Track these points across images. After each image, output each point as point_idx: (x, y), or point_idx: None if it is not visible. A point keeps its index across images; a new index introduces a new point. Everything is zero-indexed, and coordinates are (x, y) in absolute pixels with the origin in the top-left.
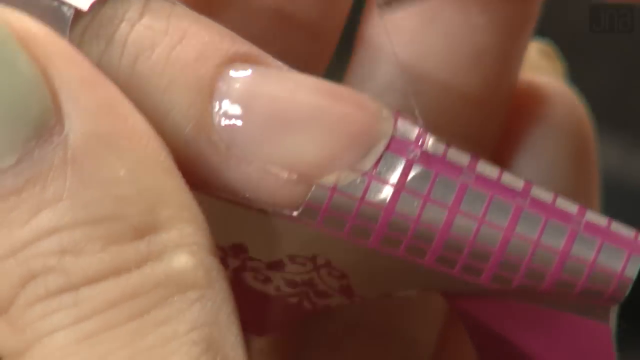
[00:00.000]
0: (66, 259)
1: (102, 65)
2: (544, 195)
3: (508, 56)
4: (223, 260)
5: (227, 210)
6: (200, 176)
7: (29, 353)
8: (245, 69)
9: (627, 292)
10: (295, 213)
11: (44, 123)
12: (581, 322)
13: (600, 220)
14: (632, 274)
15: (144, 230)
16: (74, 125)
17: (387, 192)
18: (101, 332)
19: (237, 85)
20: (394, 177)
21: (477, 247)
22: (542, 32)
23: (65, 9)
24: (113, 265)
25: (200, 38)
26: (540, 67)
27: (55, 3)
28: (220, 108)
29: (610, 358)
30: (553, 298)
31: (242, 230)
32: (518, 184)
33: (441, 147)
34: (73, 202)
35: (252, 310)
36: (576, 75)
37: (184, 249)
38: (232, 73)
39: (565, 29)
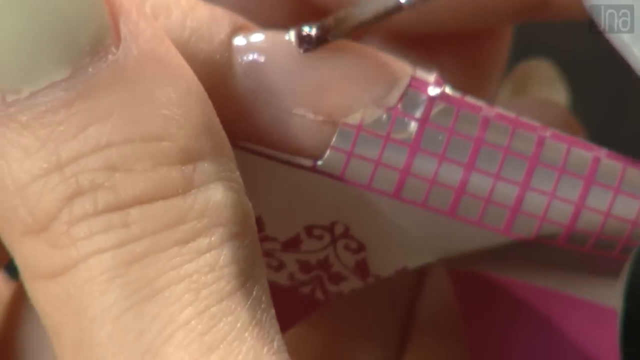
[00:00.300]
0: (116, 176)
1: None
2: (561, 133)
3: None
4: None
5: (246, 181)
6: (227, 122)
7: (71, 273)
8: (258, 32)
9: None
10: (319, 162)
11: (100, 40)
12: (584, 304)
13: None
14: None
15: (191, 155)
16: (130, 46)
17: (412, 127)
18: (149, 255)
19: (256, 40)
20: (418, 112)
21: (501, 182)
22: (541, 31)
23: None
24: (162, 187)
25: (209, 9)
26: (541, 88)
27: None
28: (242, 59)
29: (613, 344)
30: (561, 264)
31: (260, 201)
32: (536, 122)
33: (458, 92)
34: (124, 119)
35: None
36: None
37: (227, 184)
38: (245, 35)
39: (565, 30)
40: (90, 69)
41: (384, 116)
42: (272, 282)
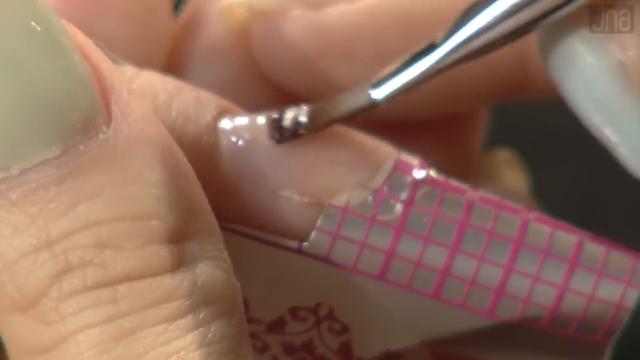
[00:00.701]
0: (105, 253)
1: None
2: (545, 216)
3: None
4: None
5: (233, 263)
6: (214, 204)
7: (59, 349)
8: (243, 116)
9: (625, 321)
10: (305, 244)
11: (91, 119)
12: None
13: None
14: (630, 303)
15: (179, 235)
16: (121, 125)
17: (398, 209)
18: (137, 330)
19: (241, 123)
20: (404, 194)
21: (485, 264)
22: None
23: None
24: (151, 264)
25: (196, 92)
26: (504, 176)
27: None
28: (228, 141)
29: None
30: (547, 343)
31: (246, 282)
32: (519, 205)
33: (442, 175)
34: (114, 197)
35: None
36: None
37: (215, 263)
38: (230, 118)
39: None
40: (82, 147)
41: (370, 198)
42: None
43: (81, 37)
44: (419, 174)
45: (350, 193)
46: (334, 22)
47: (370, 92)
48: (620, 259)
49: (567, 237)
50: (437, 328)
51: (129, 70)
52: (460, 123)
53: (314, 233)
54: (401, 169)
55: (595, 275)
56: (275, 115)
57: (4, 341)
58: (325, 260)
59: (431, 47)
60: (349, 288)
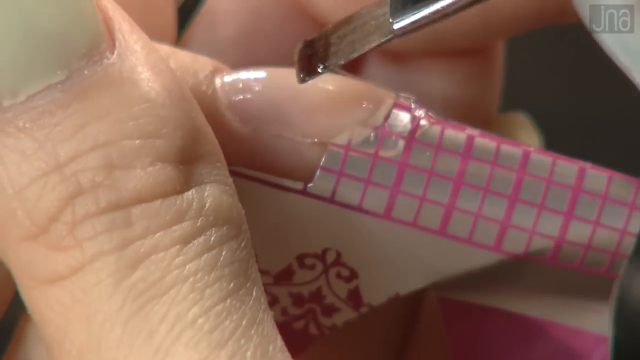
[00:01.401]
0: (116, 173)
1: None
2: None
3: (476, 112)
4: None
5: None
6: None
7: (76, 277)
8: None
9: (632, 249)
10: (310, 184)
11: (95, 45)
12: (574, 332)
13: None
14: (635, 227)
15: (187, 155)
16: (125, 51)
17: (400, 145)
18: (152, 254)
19: (240, 75)
20: (405, 130)
21: (489, 196)
22: (540, 32)
23: None
24: (161, 183)
25: (191, 54)
26: (519, 138)
27: None
28: (228, 93)
29: None
30: (552, 286)
31: (252, 231)
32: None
33: (441, 115)
34: (121, 117)
35: None
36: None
37: (222, 188)
38: (227, 73)
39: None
40: (86, 72)
41: (372, 135)
42: None
43: None
44: (418, 112)
45: (352, 131)
46: None
47: (391, 21)
48: (623, 183)
49: (569, 166)
50: (443, 267)
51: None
52: (478, 57)
53: (318, 172)
54: (400, 107)
55: (599, 200)
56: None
57: (13, 274)
58: (331, 200)
59: None
60: (355, 230)
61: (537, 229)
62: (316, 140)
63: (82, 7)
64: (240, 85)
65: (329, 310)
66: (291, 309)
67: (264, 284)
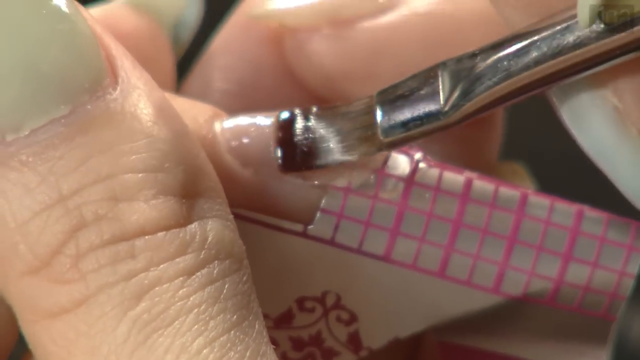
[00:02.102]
0: (119, 206)
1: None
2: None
3: (495, 144)
4: None
5: None
6: None
7: (80, 310)
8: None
9: (630, 291)
10: (310, 226)
11: (99, 80)
12: None
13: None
14: (634, 268)
15: (189, 190)
16: (127, 88)
17: (399, 187)
18: (157, 286)
19: (241, 121)
20: (404, 173)
21: (488, 237)
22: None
23: None
24: (165, 216)
25: (189, 100)
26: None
27: None
28: (227, 138)
29: None
30: (551, 330)
31: (252, 273)
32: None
33: (438, 160)
34: (123, 150)
35: None
36: None
37: (224, 222)
38: (225, 119)
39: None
40: (89, 106)
41: (371, 178)
42: None
43: (83, 9)
44: (416, 155)
45: (352, 174)
46: (358, 42)
47: (382, 138)
48: (621, 225)
49: (567, 208)
50: (443, 309)
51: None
52: (479, 129)
53: (318, 214)
54: (399, 150)
55: (598, 242)
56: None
57: (14, 310)
58: (331, 242)
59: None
60: (354, 272)
61: (536, 270)
62: (316, 182)
63: (85, 45)
64: (240, 129)
65: (329, 354)
66: (291, 353)
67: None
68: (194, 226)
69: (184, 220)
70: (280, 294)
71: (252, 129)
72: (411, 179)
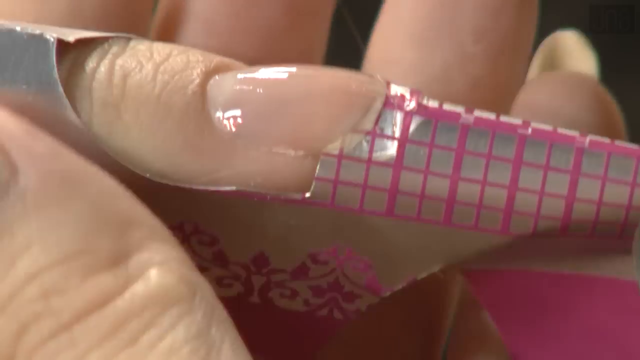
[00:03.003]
0: (52, 300)
1: (93, 90)
2: (543, 126)
3: (503, 85)
4: (248, 280)
5: (242, 221)
6: (209, 170)
7: None
8: (230, 74)
9: None
10: (308, 194)
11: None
12: (604, 281)
13: (603, 139)
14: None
15: (118, 256)
16: (28, 172)
17: (392, 147)
18: None
19: (229, 85)
20: (397, 131)
21: (488, 187)
22: (542, 32)
23: (48, 35)
24: (96, 296)
25: (184, 56)
26: (575, 56)
27: (38, 31)
28: (217, 108)
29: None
30: (571, 249)
31: (260, 237)
32: (516, 120)
33: (435, 101)
34: (44, 246)
35: (287, 336)
36: None
37: (161, 267)
38: (219, 77)
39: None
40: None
41: (363, 141)
42: (289, 310)
43: None
44: (409, 105)
45: (343, 139)
46: None
47: None
48: (622, 161)
49: (566, 147)
50: (456, 252)
51: (114, 47)
52: None
53: (314, 183)
54: (392, 104)
55: (600, 181)
56: None
57: None
58: (331, 206)
59: None
60: (361, 227)
61: (541, 212)
62: (308, 152)
63: None
64: (230, 98)
65: (350, 297)
66: (312, 299)
67: (282, 281)
68: (129, 291)
69: (119, 289)
70: (291, 252)
71: (244, 98)
72: (404, 138)
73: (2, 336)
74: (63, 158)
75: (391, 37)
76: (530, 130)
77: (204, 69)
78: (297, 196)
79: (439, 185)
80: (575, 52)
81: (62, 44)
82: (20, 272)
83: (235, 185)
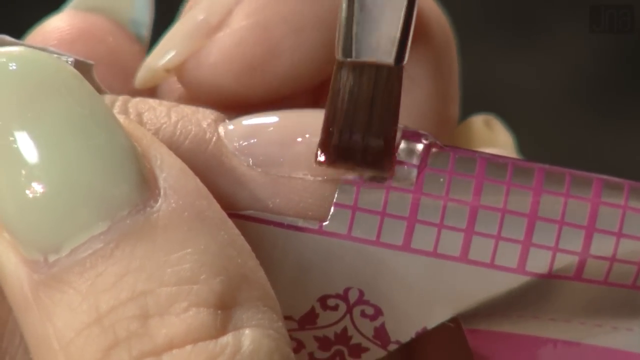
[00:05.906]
0: (150, 322)
1: None
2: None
3: (446, 98)
4: None
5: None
6: (227, 194)
7: None
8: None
9: None
10: (326, 223)
11: (138, 195)
12: (607, 352)
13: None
14: None
15: (227, 301)
16: (169, 200)
17: (412, 174)
18: None
19: (244, 120)
20: (416, 159)
21: (508, 216)
22: (542, 32)
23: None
24: (194, 329)
25: (189, 107)
26: (487, 139)
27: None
28: (233, 139)
29: None
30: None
31: (272, 275)
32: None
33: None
34: (159, 264)
35: None
36: None
37: (263, 332)
38: (231, 118)
39: (565, 28)
40: (129, 221)
41: None
42: None
43: (126, 120)
44: (427, 139)
45: None
46: (242, 36)
47: None
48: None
49: (586, 179)
50: (468, 294)
51: (123, 96)
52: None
53: (332, 209)
54: (409, 137)
55: (620, 210)
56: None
57: None
58: (348, 237)
59: None
60: (375, 265)
61: (560, 246)
62: (326, 177)
63: (123, 159)
64: (245, 130)
65: (357, 351)
66: (318, 353)
67: (288, 330)
68: (226, 337)
69: (217, 332)
70: (301, 295)
71: (258, 128)
72: (423, 164)
73: (93, 347)
74: (204, 199)
75: None
76: (548, 165)
77: (213, 112)
78: (314, 225)
79: (458, 214)
80: (491, 132)
81: None
82: (127, 287)
83: (253, 208)
